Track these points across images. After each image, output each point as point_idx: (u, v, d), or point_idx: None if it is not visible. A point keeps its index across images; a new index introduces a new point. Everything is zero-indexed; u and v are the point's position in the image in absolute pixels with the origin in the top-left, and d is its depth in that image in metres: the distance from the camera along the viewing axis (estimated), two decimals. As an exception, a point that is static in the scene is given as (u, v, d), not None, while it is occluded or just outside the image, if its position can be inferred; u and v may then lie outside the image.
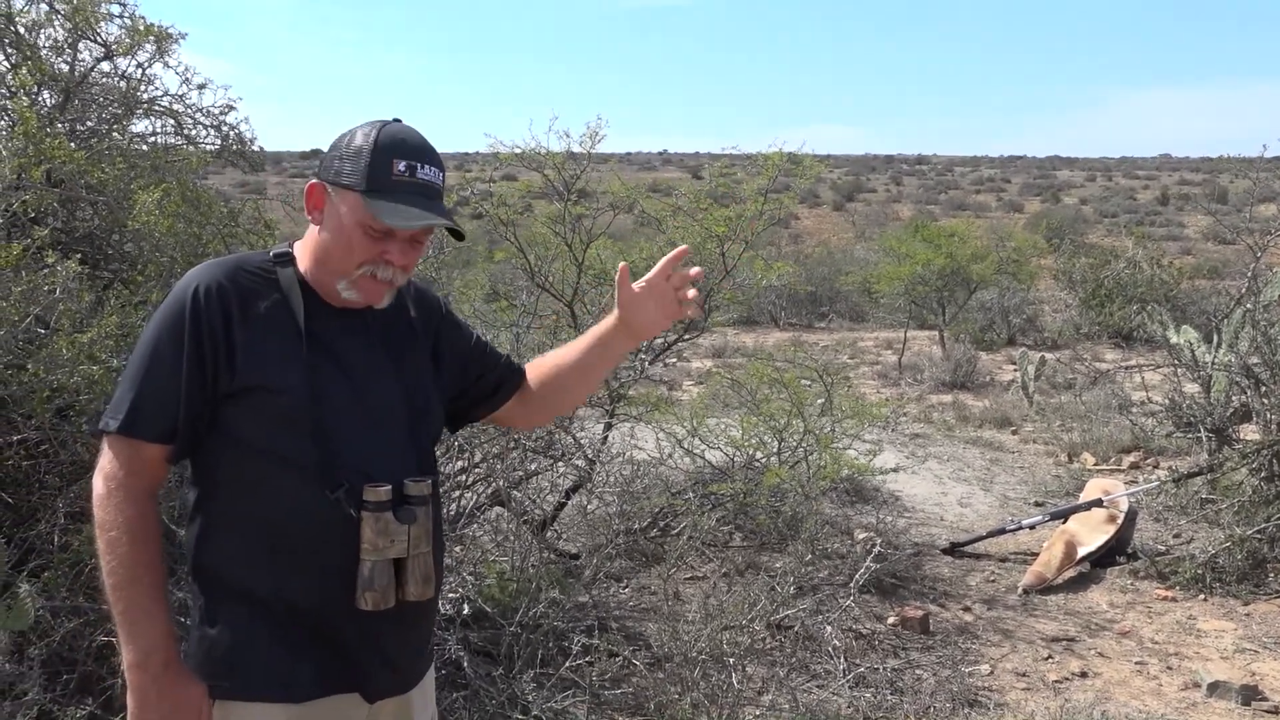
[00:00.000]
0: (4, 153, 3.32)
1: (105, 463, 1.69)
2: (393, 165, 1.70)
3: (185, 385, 1.67)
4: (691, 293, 1.95)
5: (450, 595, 3.90)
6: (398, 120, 1.78)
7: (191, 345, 1.67)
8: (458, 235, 1.83)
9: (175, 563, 2.45)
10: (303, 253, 1.80)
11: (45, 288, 3.08)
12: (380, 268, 1.74)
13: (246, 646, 1.71)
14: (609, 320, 1.99)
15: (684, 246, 1.97)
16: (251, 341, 1.70)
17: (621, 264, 1.95)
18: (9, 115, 3.83)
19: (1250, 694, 4.13)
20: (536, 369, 2.09)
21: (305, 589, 1.71)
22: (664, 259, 1.94)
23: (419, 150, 1.74)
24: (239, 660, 1.71)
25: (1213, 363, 6.66)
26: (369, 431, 1.75)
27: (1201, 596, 5.21)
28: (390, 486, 1.71)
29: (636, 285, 1.94)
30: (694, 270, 1.97)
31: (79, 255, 3.47)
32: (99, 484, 1.69)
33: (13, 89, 3.86)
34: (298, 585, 1.70)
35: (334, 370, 1.75)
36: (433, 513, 1.79)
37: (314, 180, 1.77)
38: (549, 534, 5.00)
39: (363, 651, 1.75)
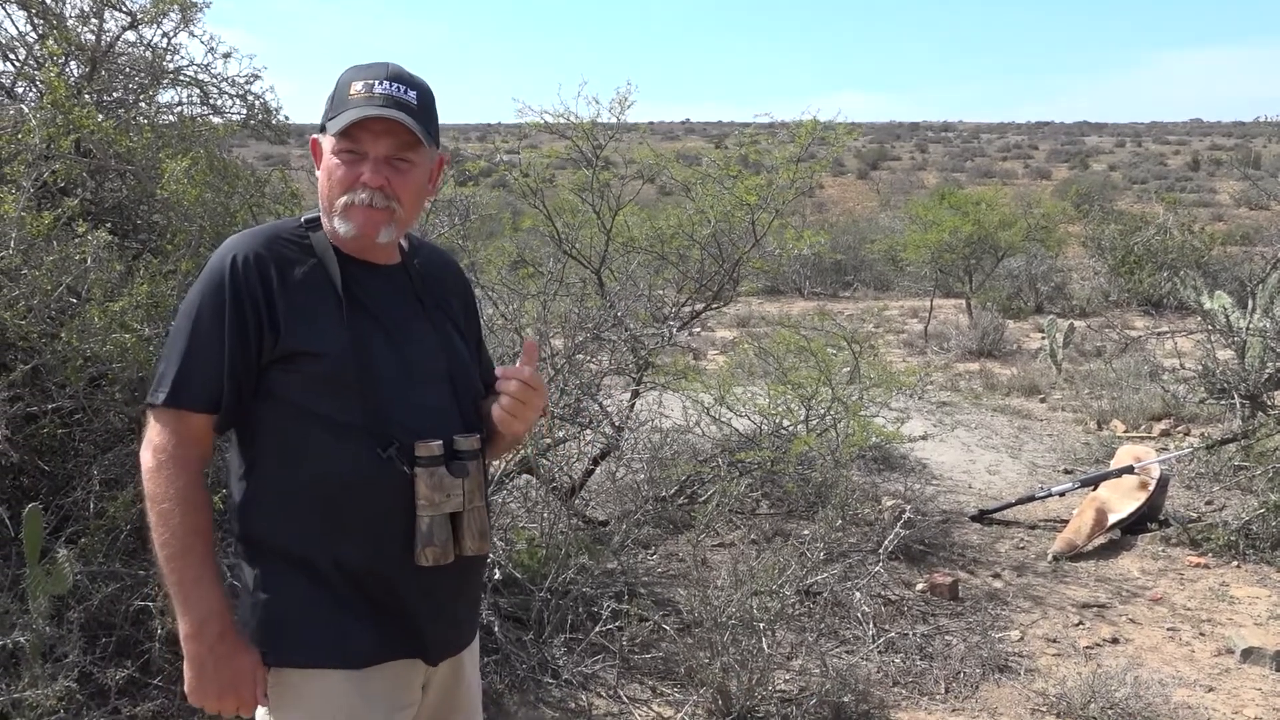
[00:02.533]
0: (34, 122, 3.33)
1: (153, 435, 1.69)
2: (350, 87, 1.75)
3: (228, 354, 1.67)
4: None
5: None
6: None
7: (233, 314, 1.67)
8: (428, 139, 1.76)
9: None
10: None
11: (76, 257, 3.10)
12: (356, 191, 1.73)
13: (302, 613, 1.70)
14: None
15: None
16: (292, 307, 1.70)
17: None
18: (38, 85, 3.84)
19: (1285, 660, 4.10)
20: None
21: (360, 551, 1.70)
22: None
23: (376, 69, 1.77)
24: (294, 628, 1.70)
25: (1247, 328, 6.56)
26: (414, 389, 1.75)
27: (1234, 563, 5.17)
28: (441, 442, 1.71)
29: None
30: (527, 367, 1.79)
31: (108, 225, 3.49)
32: (148, 458, 1.68)
33: (40, 59, 3.87)
34: (352, 548, 1.70)
35: (374, 329, 1.75)
36: (481, 468, 1.79)
37: (311, 137, 1.82)
38: (577, 501, 5.01)
39: (422, 610, 1.74)
